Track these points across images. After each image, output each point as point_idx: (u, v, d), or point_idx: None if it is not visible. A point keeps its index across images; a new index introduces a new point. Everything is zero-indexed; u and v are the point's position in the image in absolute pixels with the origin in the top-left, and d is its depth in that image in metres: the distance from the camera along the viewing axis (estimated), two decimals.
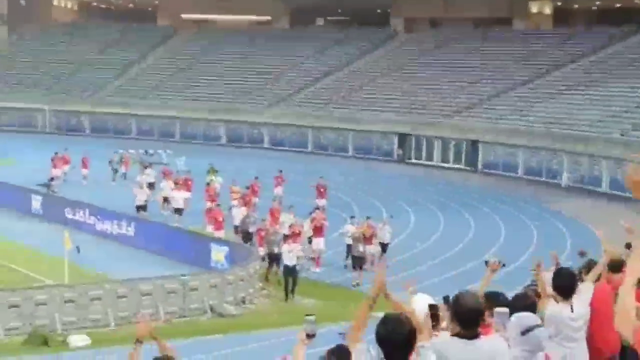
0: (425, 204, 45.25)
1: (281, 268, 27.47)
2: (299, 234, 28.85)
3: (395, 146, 62.92)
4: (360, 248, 28.67)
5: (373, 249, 29.57)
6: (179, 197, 37.53)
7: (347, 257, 30.23)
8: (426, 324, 6.94)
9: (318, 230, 30.13)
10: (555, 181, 51.33)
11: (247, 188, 38.45)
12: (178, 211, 37.02)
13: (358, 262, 28.55)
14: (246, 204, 34.33)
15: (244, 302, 25.53)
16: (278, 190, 41.67)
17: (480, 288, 8.28)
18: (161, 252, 31.47)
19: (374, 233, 29.75)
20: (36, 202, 40.33)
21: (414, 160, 61.69)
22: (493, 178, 54.15)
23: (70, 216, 37.17)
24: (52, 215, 38.21)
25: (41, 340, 21.75)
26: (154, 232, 33.35)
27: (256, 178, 40.84)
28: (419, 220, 39.53)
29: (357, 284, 27.42)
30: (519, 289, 10.13)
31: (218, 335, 22.52)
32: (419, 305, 8.13)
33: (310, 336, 7.52)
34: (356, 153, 64.31)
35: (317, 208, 33.63)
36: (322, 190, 40.18)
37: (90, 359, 20.16)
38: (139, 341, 7.81)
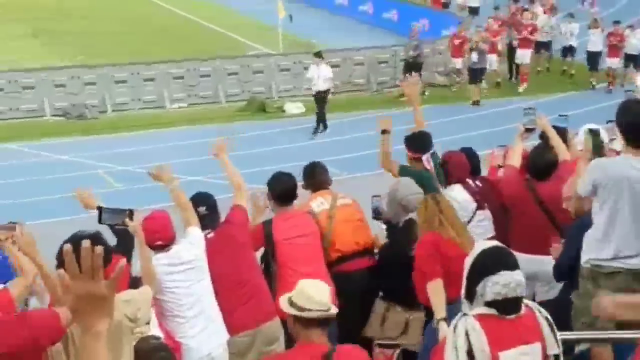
0: None
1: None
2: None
3: None
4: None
5: None
6: None
7: None
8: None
9: (525, 42, 24.43)
10: None
11: None
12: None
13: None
14: None
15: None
16: None
17: None
18: (371, 22, 31.53)
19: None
20: None
21: None
22: None
23: None
24: None
25: (259, 106, 22.58)
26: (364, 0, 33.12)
27: None
28: None
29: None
30: None
31: (428, 106, 22.50)
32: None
33: (529, 130, 7.27)
34: None
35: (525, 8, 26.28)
36: None
37: (304, 125, 20.79)
38: (386, 131, 7.87)
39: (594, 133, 5.93)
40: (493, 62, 23.97)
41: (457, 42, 24.28)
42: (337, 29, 30.68)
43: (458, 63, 24.35)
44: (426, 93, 22.53)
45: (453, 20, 27.92)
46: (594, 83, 24.40)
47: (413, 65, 23.31)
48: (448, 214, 6.22)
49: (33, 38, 30.10)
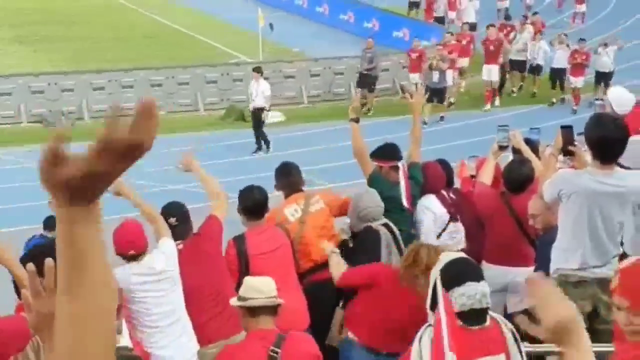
0: None
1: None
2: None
3: None
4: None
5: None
6: None
7: None
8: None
9: (490, 56, 23.11)
10: None
11: None
12: None
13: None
14: None
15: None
16: None
17: None
18: (352, 31, 31.61)
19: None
20: None
21: None
22: None
23: None
24: None
25: (238, 115, 22.54)
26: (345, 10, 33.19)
27: None
28: None
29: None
30: None
31: (408, 116, 22.37)
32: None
33: (502, 147, 7.23)
34: None
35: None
36: None
37: (283, 134, 20.80)
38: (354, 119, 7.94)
39: (567, 129, 5.84)
40: (449, 78, 22.77)
41: (413, 55, 23.32)
42: (318, 37, 30.70)
43: (415, 78, 23.07)
44: (371, 112, 22.39)
45: (434, 30, 27.99)
46: (564, 96, 23.59)
47: (367, 78, 23.08)
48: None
49: (18, 43, 29.99)
